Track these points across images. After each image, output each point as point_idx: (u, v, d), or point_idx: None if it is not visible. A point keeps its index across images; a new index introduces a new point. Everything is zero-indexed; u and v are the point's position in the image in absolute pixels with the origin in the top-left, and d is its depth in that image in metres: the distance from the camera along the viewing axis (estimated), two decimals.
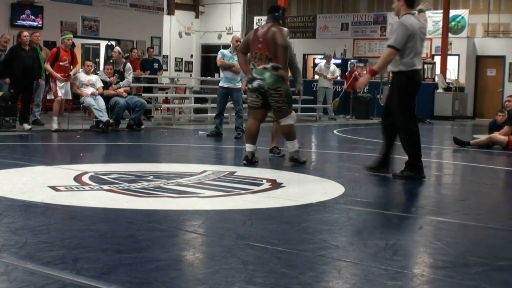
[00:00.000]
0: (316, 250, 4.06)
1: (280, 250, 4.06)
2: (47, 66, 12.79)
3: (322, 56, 22.57)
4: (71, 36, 13.31)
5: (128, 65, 14.25)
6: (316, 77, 21.80)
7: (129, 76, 13.90)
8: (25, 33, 13.35)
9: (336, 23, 26.69)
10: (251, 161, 8.12)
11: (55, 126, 12.56)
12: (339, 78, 23.08)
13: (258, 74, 8.00)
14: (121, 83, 13.71)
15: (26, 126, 12.66)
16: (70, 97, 13.07)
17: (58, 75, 12.59)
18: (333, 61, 21.52)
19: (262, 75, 7.98)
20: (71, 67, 13.01)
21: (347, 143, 13.35)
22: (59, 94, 12.66)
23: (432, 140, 14.68)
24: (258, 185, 6.63)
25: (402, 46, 7.12)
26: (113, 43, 14.07)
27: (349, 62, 23.82)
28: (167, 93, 19.48)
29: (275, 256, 3.94)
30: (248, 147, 8.16)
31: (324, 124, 18.51)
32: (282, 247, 4.13)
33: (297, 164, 8.18)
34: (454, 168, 9.63)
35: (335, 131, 15.39)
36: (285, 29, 8.31)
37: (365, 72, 21.93)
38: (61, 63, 12.70)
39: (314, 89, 21.18)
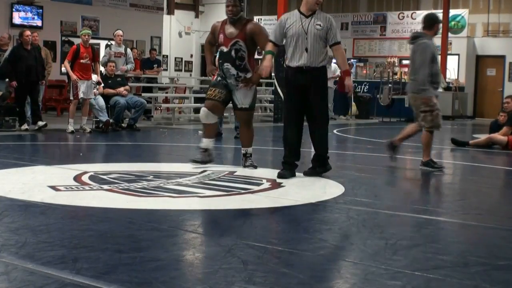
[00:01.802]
0: (316, 250, 4.06)
1: (280, 250, 4.06)
2: (66, 64, 12.57)
3: None
4: (88, 31, 13.01)
5: (129, 50, 14.45)
6: None
7: (132, 58, 14.34)
8: (27, 32, 13.04)
9: (336, 22, 26.63)
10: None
11: (70, 128, 12.43)
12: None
13: None
14: (127, 66, 13.89)
15: (41, 123, 12.55)
16: (92, 97, 12.83)
17: (74, 76, 12.40)
18: (333, 60, 21.44)
19: None
20: (93, 64, 12.84)
21: (347, 142, 13.37)
22: (80, 95, 12.51)
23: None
24: (258, 185, 6.62)
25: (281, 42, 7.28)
26: (113, 42, 14.02)
27: (348, 62, 23.78)
28: (167, 92, 19.48)
29: (275, 256, 3.94)
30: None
31: None
32: (282, 247, 4.13)
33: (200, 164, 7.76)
34: (454, 167, 9.62)
35: (335, 131, 15.38)
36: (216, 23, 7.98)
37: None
38: (82, 61, 12.50)
39: None
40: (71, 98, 12.64)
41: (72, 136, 12.08)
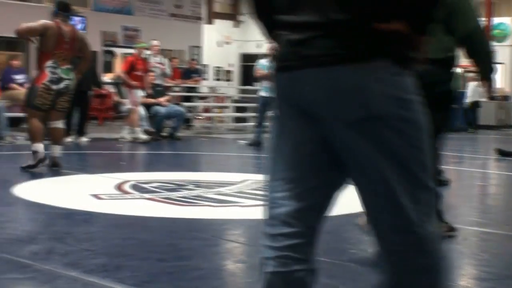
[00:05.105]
0: (358, 261, 4.02)
1: (322, 260, 3.99)
2: (122, 75, 12.53)
3: None
4: (145, 44, 13.08)
5: (166, 59, 14.56)
6: None
7: (168, 68, 14.39)
8: None
9: None
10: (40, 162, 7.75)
11: (143, 136, 12.30)
12: None
13: (65, 75, 7.72)
14: (167, 71, 14.01)
15: (83, 139, 12.26)
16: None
17: (134, 83, 12.38)
18: None
19: (68, 75, 7.76)
20: (144, 75, 12.78)
21: None
22: (138, 104, 12.52)
23: (477, 149, 14.50)
24: None
25: None
26: (151, 52, 14.13)
27: None
28: (207, 102, 19.56)
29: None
30: (41, 147, 7.68)
31: None
32: (322, 257, 4.07)
33: (58, 169, 7.72)
34: (499, 178, 9.48)
35: None
36: None
37: None
38: (137, 73, 12.50)
39: None
40: (129, 107, 12.51)
41: (113, 145, 12.17)
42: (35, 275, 3.50)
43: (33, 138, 7.73)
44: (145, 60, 12.91)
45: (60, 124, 7.91)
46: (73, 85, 7.80)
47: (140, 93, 12.62)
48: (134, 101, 12.47)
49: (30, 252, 3.92)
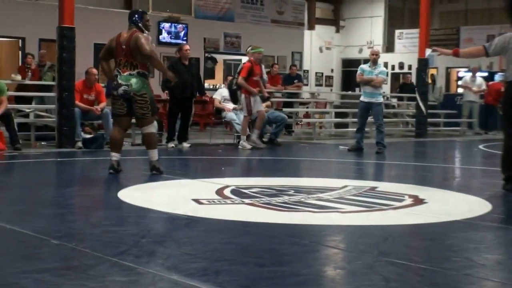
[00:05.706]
0: (462, 269, 3.92)
1: (423, 268, 3.94)
2: (242, 81, 12.47)
3: (467, 69, 21.87)
4: (262, 50, 13.03)
5: (262, 65, 14.55)
6: (460, 90, 21.21)
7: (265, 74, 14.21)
8: (187, 46, 12.70)
9: (481, 35, 25.83)
10: (116, 170, 7.96)
11: (247, 145, 12.38)
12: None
13: (123, 81, 7.82)
14: (264, 77, 13.94)
15: (185, 145, 12.47)
16: (262, 108, 12.81)
17: (254, 89, 12.44)
18: (479, 73, 20.73)
19: (127, 81, 7.80)
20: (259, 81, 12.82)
21: (493, 158, 12.87)
22: (254, 110, 12.57)
23: None
24: (400, 201, 6.50)
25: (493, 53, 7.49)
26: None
27: (495, 75, 22.83)
28: (307, 107, 19.56)
29: (418, 274, 3.84)
30: (114, 156, 7.99)
31: (468, 139, 17.96)
32: (425, 265, 4.01)
33: (158, 173, 7.98)
34: None
35: (480, 146, 14.90)
36: (146, 34, 8.06)
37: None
38: (254, 78, 12.53)
39: (458, 103, 20.57)
40: (245, 114, 12.58)
41: (214, 150, 12.33)
42: (138, 278, 3.58)
43: (110, 146, 8.26)
44: (259, 65, 12.83)
45: (148, 129, 8.08)
46: (133, 91, 7.82)
47: (256, 100, 12.59)
48: (249, 109, 12.48)
49: (133, 255, 4.01)
